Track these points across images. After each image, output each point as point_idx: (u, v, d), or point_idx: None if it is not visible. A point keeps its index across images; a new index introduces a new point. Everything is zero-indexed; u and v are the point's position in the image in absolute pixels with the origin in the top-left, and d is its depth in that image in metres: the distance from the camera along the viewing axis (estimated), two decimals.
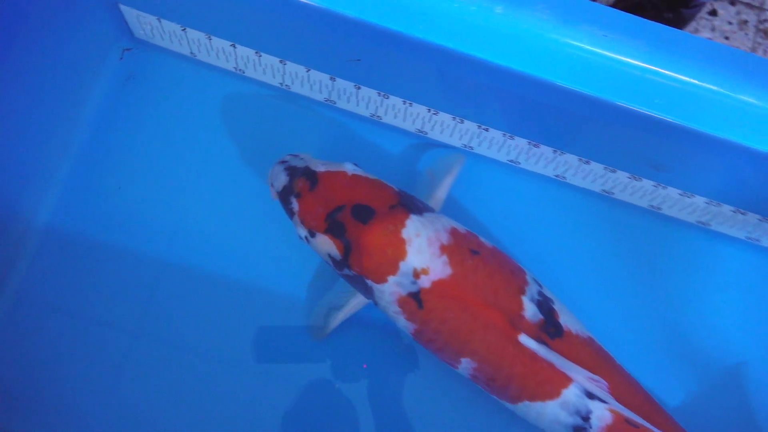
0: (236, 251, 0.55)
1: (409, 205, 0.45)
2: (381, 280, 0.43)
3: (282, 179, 0.47)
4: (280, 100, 0.59)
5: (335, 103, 0.58)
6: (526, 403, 0.43)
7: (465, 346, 0.43)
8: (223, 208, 0.56)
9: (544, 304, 0.44)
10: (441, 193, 0.52)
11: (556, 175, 0.58)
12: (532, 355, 0.41)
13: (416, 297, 0.43)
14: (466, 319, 0.42)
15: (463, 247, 0.44)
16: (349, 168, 0.46)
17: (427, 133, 0.58)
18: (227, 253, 0.55)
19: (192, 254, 0.55)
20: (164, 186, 0.57)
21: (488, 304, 0.42)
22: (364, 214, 0.43)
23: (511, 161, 0.58)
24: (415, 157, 0.59)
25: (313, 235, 0.45)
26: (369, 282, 0.44)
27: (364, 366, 0.52)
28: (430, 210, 0.46)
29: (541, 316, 0.43)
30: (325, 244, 0.45)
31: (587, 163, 0.54)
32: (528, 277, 0.45)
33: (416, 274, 0.42)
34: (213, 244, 0.55)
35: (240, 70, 0.59)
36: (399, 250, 0.42)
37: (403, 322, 0.45)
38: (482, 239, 0.46)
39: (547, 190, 0.58)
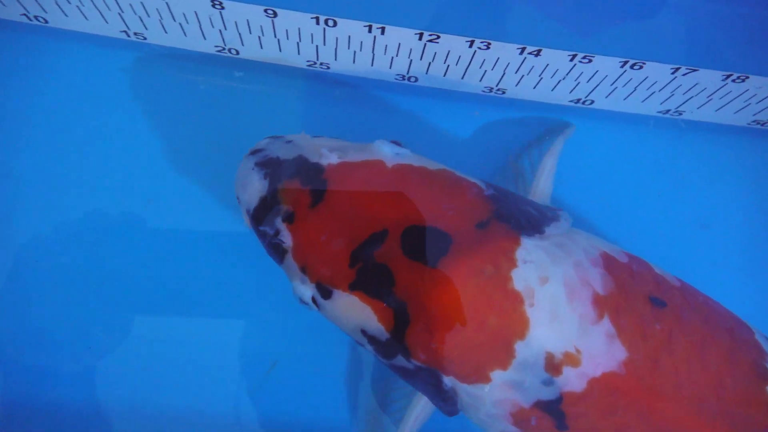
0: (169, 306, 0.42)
1: (515, 215, 0.28)
2: (476, 377, 0.27)
3: (255, 187, 0.29)
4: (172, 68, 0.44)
5: (239, 53, 0.42)
6: None
7: None
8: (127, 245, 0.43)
9: None
10: (543, 186, 0.36)
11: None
12: None
13: (554, 409, 0.27)
14: None
15: (635, 295, 0.27)
16: (387, 151, 0.29)
17: (413, 80, 0.43)
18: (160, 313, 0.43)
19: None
20: (34, 207, 0.43)
21: (706, 416, 0.25)
22: (428, 244, 0.26)
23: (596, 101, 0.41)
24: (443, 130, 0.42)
25: (327, 294, 0.28)
26: (447, 380, 0.27)
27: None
28: (552, 218, 0.29)
29: None
30: (354, 310, 0.28)
31: None
32: (759, 338, 0.29)
33: (553, 366, 0.26)
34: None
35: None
36: (512, 318, 0.26)
37: None
38: (658, 269, 0.29)
39: (693, 142, 0.43)
